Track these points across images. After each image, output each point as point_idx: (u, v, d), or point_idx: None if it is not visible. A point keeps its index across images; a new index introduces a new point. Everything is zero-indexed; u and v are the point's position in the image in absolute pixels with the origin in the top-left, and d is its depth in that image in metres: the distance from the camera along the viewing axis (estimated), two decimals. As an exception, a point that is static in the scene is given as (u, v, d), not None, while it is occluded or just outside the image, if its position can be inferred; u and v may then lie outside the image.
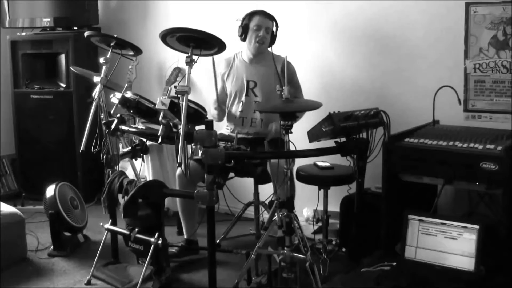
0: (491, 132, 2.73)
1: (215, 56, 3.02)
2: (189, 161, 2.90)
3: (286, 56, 2.92)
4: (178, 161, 2.48)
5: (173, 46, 2.78)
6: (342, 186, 3.15)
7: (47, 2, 4.41)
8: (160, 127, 2.74)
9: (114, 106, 3.01)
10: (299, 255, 2.66)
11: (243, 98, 3.37)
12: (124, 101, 3.06)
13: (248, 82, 3.39)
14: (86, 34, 3.16)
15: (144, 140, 3.37)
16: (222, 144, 3.05)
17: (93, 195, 4.31)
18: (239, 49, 3.49)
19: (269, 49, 3.33)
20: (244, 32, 3.33)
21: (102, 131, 3.12)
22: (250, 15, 3.32)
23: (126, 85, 3.08)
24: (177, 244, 3.39)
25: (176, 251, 3.33)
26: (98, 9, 4.52)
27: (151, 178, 3.77)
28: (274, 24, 3.35)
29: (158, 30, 2.69)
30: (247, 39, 3.35)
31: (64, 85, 4.42)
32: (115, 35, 3.09)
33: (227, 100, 3.46)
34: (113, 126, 3.05)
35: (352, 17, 3.55)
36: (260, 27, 3.30)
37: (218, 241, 3.43)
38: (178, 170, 3.24)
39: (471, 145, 2.57)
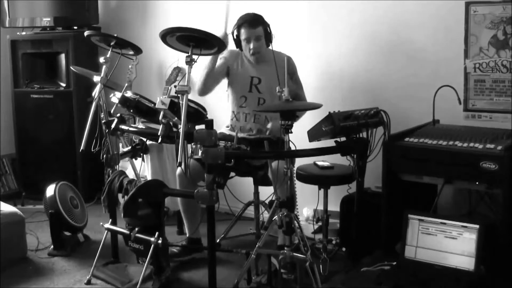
0: (491, 131, 2.73)
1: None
2: (189, 160, 2.90)
3: (286, 58, 2.92)
4: (178, 160, 2.48)
5: (173, 45, 2.78)
6: (342, 185, 3.16)
7: (47, 1, 4.41)
8: (160, 127, 2.74)
9: (114, 106, 3.01)
10: (299, 255, 2.66)
11: (246, 94, 3.38)
12: (124, 101, 3.06)
13: (252, 78, 3.40)
14: (86, 33, 3.16)
15: (144, 139, 3.37)
16: (222, 143, 3.05)
17: (93, 195, 4.30)
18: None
19: (269, 47, 3.33)
20: (238, 44, 3.35)
21: (102, 131, 3.12)
22: (238, 27, 3.31)
23: (126, 84, 3.08)
24: (178, 244, 3.39)
25: (177, 250, 3.34)
26: (98, 9, 4.52)
27: (150, 178, 3.77)
28: (263, 27, 3.30)
29: (158, 30, 2.68)
30: (243, 50, 3.37)
31: (64, 85, 4.42)
32: (115, 35, 3.09)
33: (214, 81, 3.42)
34: (113, 125, 3.05)
35: (352, 17, 3.55)
36: (249, 39, 3.29)
37: (218, 240, 3.43)
38: (179, 170, 3.24)
39: (471, 144, 2.57)
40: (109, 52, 3.09)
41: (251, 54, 3.33)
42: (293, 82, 3.34)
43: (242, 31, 3.29)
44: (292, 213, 2.67)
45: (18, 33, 4.48)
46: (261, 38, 3.30)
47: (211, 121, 2.49)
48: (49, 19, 4.38)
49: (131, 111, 3.14)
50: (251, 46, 3.30)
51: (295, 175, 3.16)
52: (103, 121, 3.11)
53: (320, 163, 3.26)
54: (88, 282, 3.03)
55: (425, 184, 2.78)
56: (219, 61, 3.41)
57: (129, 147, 3.36)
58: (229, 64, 3.43)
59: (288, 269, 2.70)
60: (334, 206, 3.30)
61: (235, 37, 3.33)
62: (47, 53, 4.44)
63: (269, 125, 3.30)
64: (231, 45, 3.37)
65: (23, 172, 4.64)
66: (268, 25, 3.33)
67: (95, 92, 3.01)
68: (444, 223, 2.59)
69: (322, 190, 3.13)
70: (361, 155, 2.72)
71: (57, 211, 3.45)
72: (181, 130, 2.52)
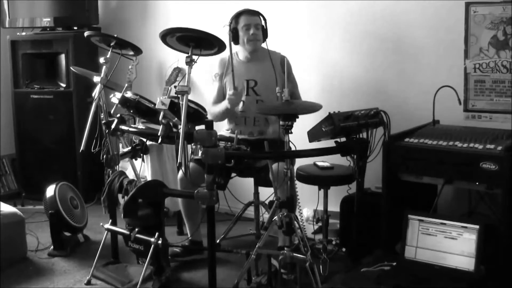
0: (491, 132, 2.73)
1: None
2: (189, 160, 2.89)
3: (286, 60, 2.94)
4: (178, 161, 2.48)
5: (173, 46, 2.78)
6: (342, 186, 3.16)
7: (47, 2, 4.41)
8: (160, 127, 2.74)
9: (114, 106, 3.01)
10: (299, 255, 2.66)
11: (244, 98, 3.37)
12: (124, 101, 3.06)
13: (248, 81, 3.39)
14: (86, 34, 3.16)
15: (144, 140, 3.37)
16: (222, 144, 3.05)
17: (93, 195, 4.31)
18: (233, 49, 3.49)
19: (263, 45, 3.33)
20: (235, 35, 3.31)
21: (102, 131, 3.12)
22: (236, 17, 3.30)
23: (126, 85, 3.08)
24: (178, 244, 3.39)
25: (180, 251, 3.34)
26: (98, 9, 4.52)
27: (150, 178, 3.77)
28: (262, 19, 3.33)
29: (158, 30, 2.69)
30: (240, 41, 3.33)
31: (64, 85, 4.42)
32: (115, 35, 3.08)
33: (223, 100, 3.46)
34: (113, 126, 3.05)
35: (352, 17, 3.55)
36: (249, 26, 3.28)
37: (218, 241, 3.43)
38: (180, 173, 3.23)
39: (471, 145, 2.57)
40: (109, 53, 3.09)
41: (250, 40, 3.29)
42: (289, 81, 3.34)
43: (242, 18, 3.29)
44: (293, 213, 2.67)
45: (18, 34, 4.48)
46: (259, 27, 3.31)
47: (211, 121, 2.49)
48: (49, 19, 4.39)
49: (131, 111, 3.14)
50: (251, 32, 3.27)
51: (295, 175, 3.17)
52: (103, 122, 3.11)
53: (320, 164, 3.26)
54: (88, 283, 3.03)
55: (425, 184, 2.78)
56: (216, 80, 3.42)
57: (129, 148, 3.36)
58: (222, 75, 3.43)
59: (288, 270, 2.70)
60: (334, 206, 3.30)
61: (232, 28, 3.30)
62: (47, 53, 4.44)
63: (270, 129, 3.30)
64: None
65: (23, 172, 4.64)
66: (266, 21, 3.34)
67: (95, 92, 3.01)
68: (444, 224, 2.59)
69: (322, 190, 3.13)
70: (361, 155, 2.72)
71: (57, 212, 3.45)
72: (181, 131, 2.52)
